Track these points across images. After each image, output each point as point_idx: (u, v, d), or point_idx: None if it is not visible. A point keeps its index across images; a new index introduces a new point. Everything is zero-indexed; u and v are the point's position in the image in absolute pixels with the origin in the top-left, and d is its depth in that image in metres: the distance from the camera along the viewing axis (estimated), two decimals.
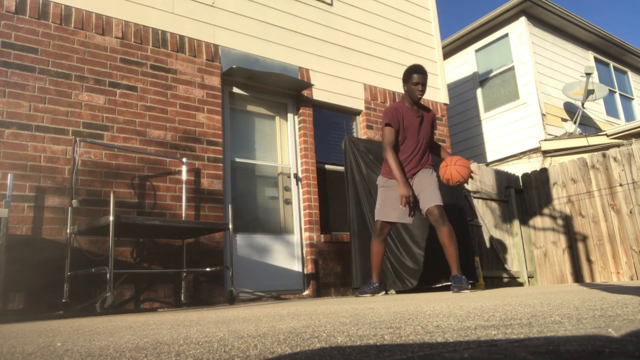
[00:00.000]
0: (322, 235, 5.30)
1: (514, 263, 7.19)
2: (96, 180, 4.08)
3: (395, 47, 6.68)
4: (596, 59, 10.75)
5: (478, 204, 6.90)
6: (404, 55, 6.74)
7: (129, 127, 4.35)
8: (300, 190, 5.45)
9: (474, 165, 7.11)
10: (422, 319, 1.42)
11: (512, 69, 9.44)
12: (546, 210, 7.29)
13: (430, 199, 3.90)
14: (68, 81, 4.15)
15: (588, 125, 9.72)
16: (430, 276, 5.02)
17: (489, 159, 9.58)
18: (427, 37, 7.18)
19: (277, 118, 5.61)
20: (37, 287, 3.63)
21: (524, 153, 8.94)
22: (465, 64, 10.39)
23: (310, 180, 5.40)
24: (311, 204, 5.33)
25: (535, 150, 8.71)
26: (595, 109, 10.07)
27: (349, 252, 5.12)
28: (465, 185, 6.76)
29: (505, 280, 6.96)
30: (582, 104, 9.15)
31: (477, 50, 10.21)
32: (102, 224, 3.38)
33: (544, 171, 7.42)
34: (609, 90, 10.54)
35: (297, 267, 5.18)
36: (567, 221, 7.04)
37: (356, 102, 6.07)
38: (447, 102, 7.10)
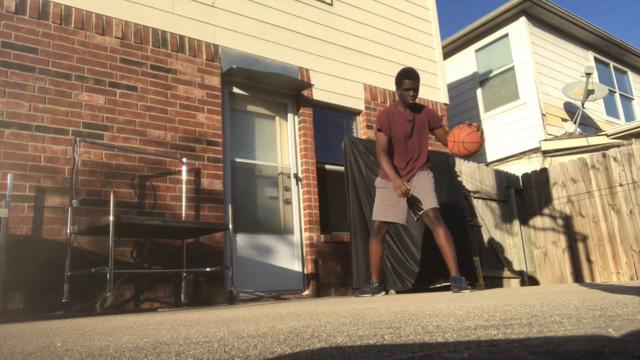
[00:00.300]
0: (322, 235, 5.30)
1: (514, 263, 7.19)
2: (96, 180, 4.08)
3: (395, 47, 6.68)
4: (596, 59, 10.75)
5: (478, 204, 6.90)
6: (404, 55, 6.74)
7: (129, 127, 4.36)
8: (300, 190, 5.45)
9: (473, 165, 7.11)
10: (422, 319, 1.42)
11: (512, 69, 9.44)
12: (546, 210, 7.29)
13: (425, 201, 3.94)
14: (68, 81, 4.15)
15: (588, 125, 9.71)
16: (430, 276, 5.03)
17: (489, 159, 9.58)
18: (427, 37, 7.18)
19: (277, 118, 5.61)
20: (37, 287, 3.63)
21: (524, 153, 8.94)
22: (465, 64, 10.39)
23: (310, 180, 5.40)
24: (311, 204, 5.33)
25: (535, 150, 8.71)
26: (595, 109, 10.07)
27: (349, 252, 5.13)
28: (465, 185, 6.76)
29: (505, 280, 6.96)
30: (582, 104, 9.15)
31: (477, 50, 10.21)
32: (102, 224, 3.38)
33: (544, 171, 7.42)
34: (609, 90, 10.54)
35: (297, 267, 5.18)
36: (567, 221, 7.04)
37: (356, 102, 6.08)
38: (447, 102, 7.09)
